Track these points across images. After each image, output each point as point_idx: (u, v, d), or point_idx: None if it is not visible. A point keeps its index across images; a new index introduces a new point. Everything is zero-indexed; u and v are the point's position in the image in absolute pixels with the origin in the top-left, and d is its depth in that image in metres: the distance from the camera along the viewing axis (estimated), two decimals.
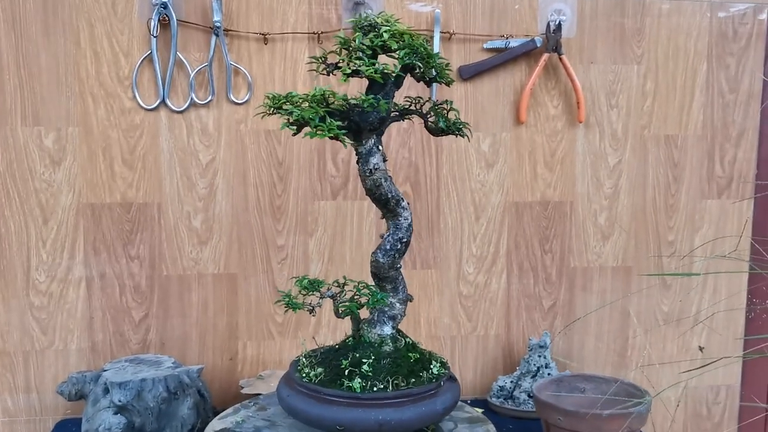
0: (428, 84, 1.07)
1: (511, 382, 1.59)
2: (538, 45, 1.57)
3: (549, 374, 1.56)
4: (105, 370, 1.40)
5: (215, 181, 1.55)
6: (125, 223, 1.53)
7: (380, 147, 1.04)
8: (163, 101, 1.51)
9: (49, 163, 1.50)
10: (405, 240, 1.08)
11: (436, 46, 1.55)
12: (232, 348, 1.60)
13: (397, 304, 1.11)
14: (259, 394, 1.45)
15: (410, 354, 1.08)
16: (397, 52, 0.98)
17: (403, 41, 0.99)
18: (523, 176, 1.65)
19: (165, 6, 1.47)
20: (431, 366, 1.09)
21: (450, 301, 1.66)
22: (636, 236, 1.70)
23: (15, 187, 1.49)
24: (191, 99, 1.51)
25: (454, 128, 1.10)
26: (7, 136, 1.48)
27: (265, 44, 1.53)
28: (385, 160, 1.05)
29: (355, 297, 1.08)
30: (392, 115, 1.08)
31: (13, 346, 1.53)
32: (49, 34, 1.47)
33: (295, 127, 0.99)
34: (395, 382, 1.03)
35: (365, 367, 1.04)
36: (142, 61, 1.49)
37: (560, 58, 1.58)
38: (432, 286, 1.65)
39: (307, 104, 0.96)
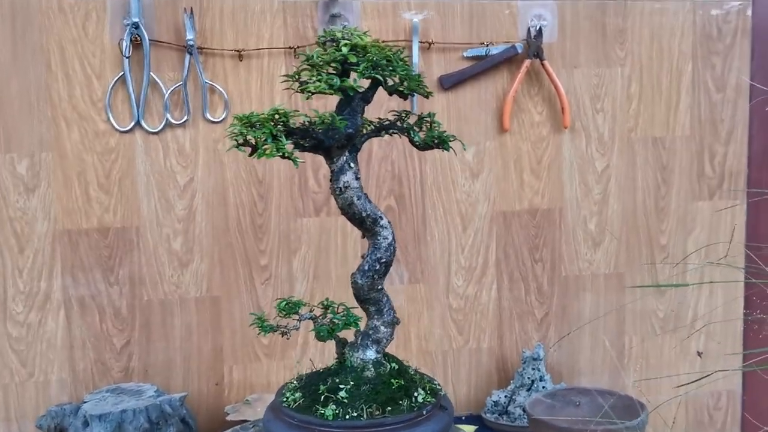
0: (403, 97, 1.04)
1: (506, 396, 1.55)
2: (519, 51, 1.54)
3: (544, 387, 1.52)
4: (85, 402, 1.36)
5: (194, 202, 1.51)
6: (103, 249, 1.49)
7: (352, 164, 1.01)
8: (137, 123, 1.47)
9: (23, 191, 1.46)
10: (384, 260, 1.04)
11: (415, 56, 1.52)
12: (218, 372, 1.56)
13: (382, 327, 1.07)
14: (246, 421, 1.41)
15: (393, 380, 1.03)
16: (357, 66, 0.95)
17: (367, 54, 0.95)
18: (509, 185, 1.61)
19: (137, 26, 1.44)
20: (416, 393, 1.04)
21: (440, 315, 1.62)
22: (627, 241, 1.67)
23: None
24: (166, 119, 1.48)
25: (438, 142, 1.06)
26: None
27: (241, 61, 1.50)
28: (357, 178, 1.01)
29: (333, 320, 1.04)
30: (367, 131, 1.04)
31: None
32: (19, 57, 1.43)
33: (249, 149, 0.95)
34: (369, 410, 0.99)
35: (342, 393, 1.00)
36: (114, 82, 1.46)
37: (542, 64, 1.55)
38: (421, 301, 1.61)
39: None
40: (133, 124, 1.47)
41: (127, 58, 1.45)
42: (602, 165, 1.64)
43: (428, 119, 1.04)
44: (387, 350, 1.09)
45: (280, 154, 0.94)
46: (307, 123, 1.00)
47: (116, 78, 1.46)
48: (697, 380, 1.03)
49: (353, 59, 0.97)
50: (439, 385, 1.10)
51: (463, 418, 1.58)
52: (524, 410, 1.50)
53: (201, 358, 1.55)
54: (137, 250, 1.51)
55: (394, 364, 1.07)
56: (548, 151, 1.62)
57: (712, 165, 1.68)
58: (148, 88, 1.46)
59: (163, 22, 1.46)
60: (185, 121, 1.49)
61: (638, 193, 1.66)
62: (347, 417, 0.99)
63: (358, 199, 1.02)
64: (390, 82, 1.01)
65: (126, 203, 1.49)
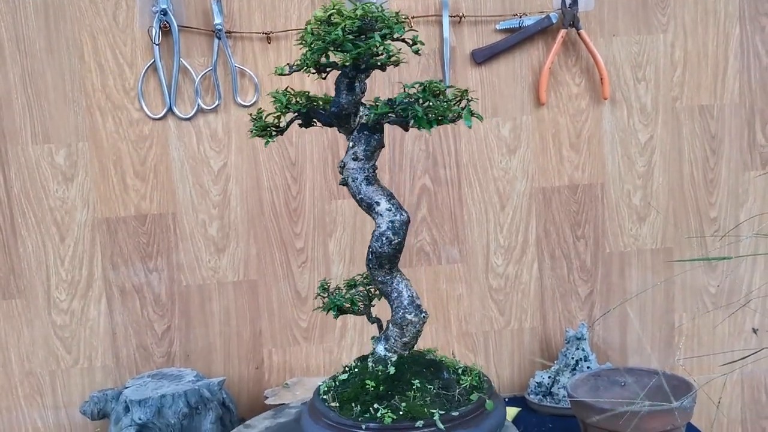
0: (382, 69, 0.98)
1: (549, 377, 1.51)
2: (554, 21, 1.49)
3: (588, 367, 1.47)
4: (126, 387, 1.37)
5: (228, 186, 1.51)
6: (141, 236, 1.51)
7: (353, 144, 0.97)
8: (170, 109, 1.48)
9: (62, 180, 1.48)
10: (374, 251, 0.98)
11: (446, 31, 1.48)
12: (258, 356, 1.56)
13: (390, 325, 1.01)
14: (284, 404, 1.40)
15: (368, 382, 0.97)
16: (338, 30, 0.89)
17: (354, 16, 0.89)
18: (548, 160, 1.56)
19: (165, 13, 1.44)
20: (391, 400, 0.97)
21: (480, 296, 1.59)
22: (675, 215, 1.60)
23: (30, 206, 1.48)
24: (198, 105, 1.48)
25: (453, 117, 0.98)
26: (18, 155, 1.47)
27: (269, 43, 1.48)
28: (354, 159, 0.97)
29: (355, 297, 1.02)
30: (375, 113, 1.00)
31: (39, 366, 1.52)
32: (53, 50, 1.45)
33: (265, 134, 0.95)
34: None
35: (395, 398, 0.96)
36: (146, 70, 1.46)
37: (579, 33, 1.50)
38: (460, 281, 1.58)
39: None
40: (165, 111, 1.48)
41: (157, 45, 1.45)
42: (645, 137, 1.57)
43: (437, 87, 0.95)
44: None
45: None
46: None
47: (147, 66, 1.46)
48: (746, 356, 0.98)
49: (339, 22, 0.90)
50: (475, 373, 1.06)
51: (506, 399, 1.55)
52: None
53: (240, 342, 1.55)
54: (174, 237, 1.52)
55: (390, 369, 1.00)
56: (588, 124, 1.56)
57: (765, 133, 1.59)
58: (178, 74, 1.47)
59: (191, 8, 1.46)
60: (216, 106, 1.49)
61: (685, 164, 1.59)
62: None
63: (352, 181, 0.98)
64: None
65: (162, 190, 1.50)
